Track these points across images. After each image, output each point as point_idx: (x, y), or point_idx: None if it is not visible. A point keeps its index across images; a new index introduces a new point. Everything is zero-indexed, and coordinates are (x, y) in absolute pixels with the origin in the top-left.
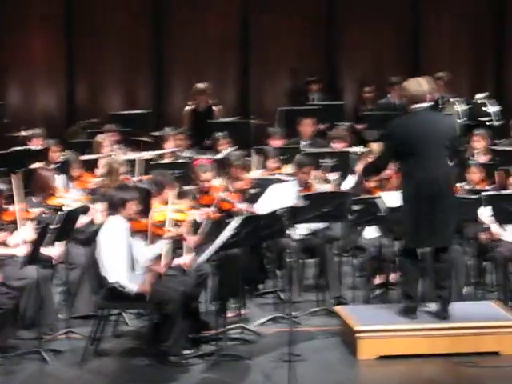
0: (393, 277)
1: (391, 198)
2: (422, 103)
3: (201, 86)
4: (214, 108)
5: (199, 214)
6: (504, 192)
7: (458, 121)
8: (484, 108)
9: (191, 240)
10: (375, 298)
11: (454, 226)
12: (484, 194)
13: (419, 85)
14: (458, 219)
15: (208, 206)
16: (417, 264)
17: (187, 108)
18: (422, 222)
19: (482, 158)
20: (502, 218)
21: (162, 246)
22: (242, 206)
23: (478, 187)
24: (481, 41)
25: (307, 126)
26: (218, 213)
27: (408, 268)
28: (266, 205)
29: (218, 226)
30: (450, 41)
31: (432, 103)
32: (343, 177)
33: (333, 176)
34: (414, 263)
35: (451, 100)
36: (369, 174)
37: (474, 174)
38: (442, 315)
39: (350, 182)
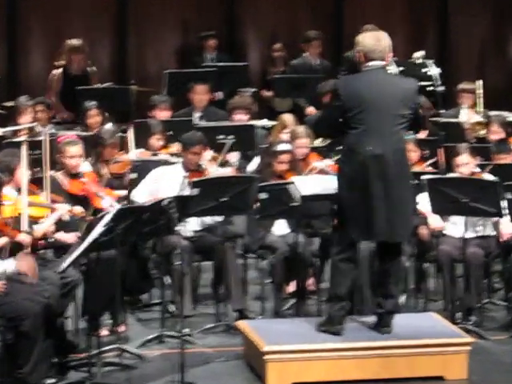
0: (310, 283)
1: (308, 184)
2: (377, 61)
3: (75, 42)
4: (89, 71)
5: (65, 210)
6: (449, 175)
7: None
8: (423, 70)
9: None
10: (288, 310)
11: (410, 217)
12: (424, 177)
13: (376, 38)
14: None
15: (78, 197)
16: (355, 263)
17: (56, 71)
18: (368, 209)
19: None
20: (444, 207)
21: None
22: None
23: (416, 169)
24: None
25: (201, 94)
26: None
27: (342, 267)
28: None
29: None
30: None
31: (388, 63)
32: (247, 158)
33: (233, 157)
34: (352, 261)
35: None
36: (322, 129)
37: (411, 153)
38: (384, 330)
39: (255, 165)
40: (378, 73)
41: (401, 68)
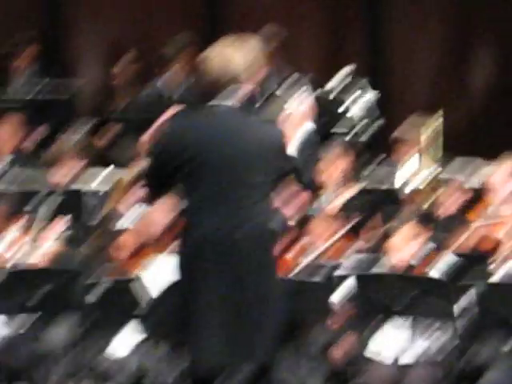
0: None
1: (160, 280)
2: (225, 95)
3: None
4: None
5: None
6: (378, 270)
7: None
8: (353, 97)
9: None
10: None
11: (277, 331)
12: (341, 271)
13: (227, 59)
14: (281, 318)
15: None
16: None
17: None
18: (213, 326)
19: (338, 202)
20: (374, 314)
21: None
22: None
23: (329, 257)
24: None
25: (5, 134)
26: None
27: None
28: None
29: None
30: None
31: (240, 99)
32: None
33: (53, 231)
34: None
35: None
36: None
37: (321, 233)
38: None
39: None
40: (225, 115)
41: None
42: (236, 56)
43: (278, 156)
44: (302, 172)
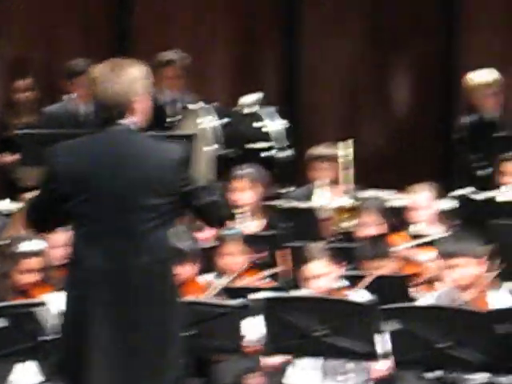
0: None
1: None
2: (119, 116)
3: None
4: None
5: None
6: (296, 293)
7: (208, 149)
8: (256, 124)
9: None
10: None
11: (179, 368)
12: (258, 295)
13: (114, 78)
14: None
15: None
16: None
17: None
18: (92, 357)
19: (251, 225)
20: (286, 343)
21: None
22: None
23: (241, 282)
24: None
25: None
26: None
27: None
28: None
29: None
30: None
31: (136, 118)
32: None
33: None
34: None
35: (194, 107)
36: (34, 220)
37: (233, 257)
38: None
39: None
40: (119, 136)
41: (225, 119)
42: (125, 74)
43: (176, 177)
44: (204, 194)
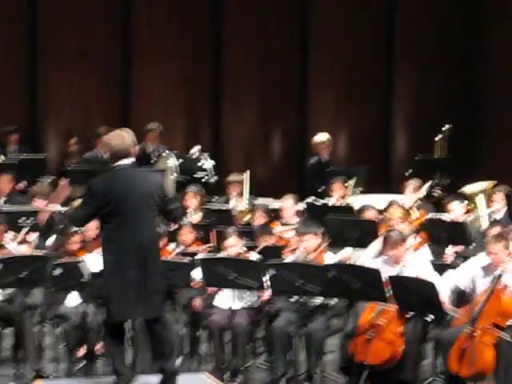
0: (98, 348)
1: (95, 262)
2: (125, 158)
3: None
4: None
5: None
6: (219, 255)
7: (172, 177)
8: (198, 163)
9: None
10: (79, 370)
11: (163, 294)
12: (198, 256)
13: (120, 138)
14: (165, 285)
15: None
16: (122, 338)
17: None
18: (128, 292)
19: (195, 218)
20: (215, 281)
21: None
22: None
23: (190, 249)
24: (196, 89)
25: (4, 183)
26: None
27: (112, 343)
28: None
29: None
30: (162, 91)
31: (134, 159)
32: (45, 237)
33: (32, 236)
34: (119, 338)
35: (164, 154)
36: (74, 222)
37: (186, 235)
38: None
39: (51, 243)
40: (127, 170)
41: (180, 160)
42: (126, 136)
43: (159, 192)
44: (171, 203)
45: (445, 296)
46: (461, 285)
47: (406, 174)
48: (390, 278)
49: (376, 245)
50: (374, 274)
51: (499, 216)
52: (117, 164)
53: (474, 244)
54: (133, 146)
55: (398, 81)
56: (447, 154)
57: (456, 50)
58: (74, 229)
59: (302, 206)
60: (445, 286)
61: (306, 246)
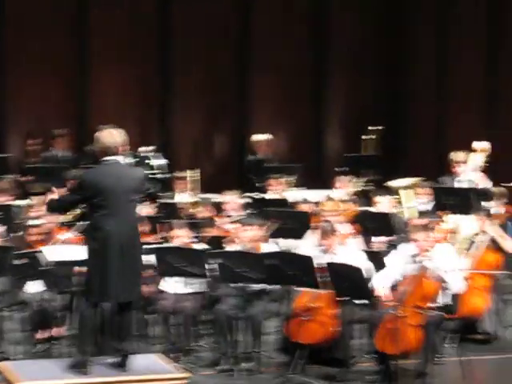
0: (56, 331)
1: (53, 252)
2: (113, 155)
3: None
4: None
5: None
6: (169, 245)
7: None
8: (147, 161)
9: None
10: (38, 352)
11: (140, 279)
12: (147, 246)
13: (112, 136)
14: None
15: None
16: (96, 319)
17: None
18: (111, 276)
19: (149, 211)
20: (167, 269)
21: None
22: None
23: (147, 239)
24: (146, 91)
25: None
26: None
27: (87, 323)
28: None
29: None
30: (117, 91)
31: (122, 155)
32: (10, 231)
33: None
34: (94, 318)
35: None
36: (53, 209)
37: (145, 227)
38: (122, 368)
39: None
40: (114, 166)
41: (137, 159)
42: (117, 135)
43: (142, 185)
44: (149, 190)
45: (385, 287)
46: (399, 276)
47: (336, 169)
48: (328, 264)
49: (315, 235)
50: (307, 261)
51: (426, 208)
52: (105, 159)
53: (398, 234)
54: (121, 145)
55: (330, 83)
56: (376, 152)
57: (385, 51)
58: (33, 222)
59: (244, 199)
60: (385, 277)
61: (248, 236)
